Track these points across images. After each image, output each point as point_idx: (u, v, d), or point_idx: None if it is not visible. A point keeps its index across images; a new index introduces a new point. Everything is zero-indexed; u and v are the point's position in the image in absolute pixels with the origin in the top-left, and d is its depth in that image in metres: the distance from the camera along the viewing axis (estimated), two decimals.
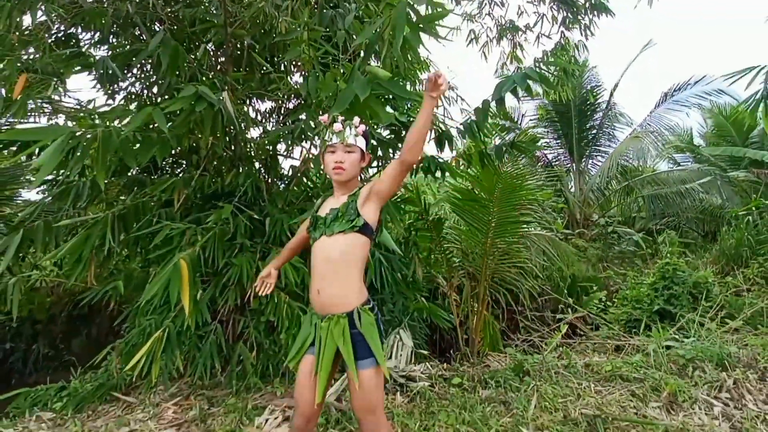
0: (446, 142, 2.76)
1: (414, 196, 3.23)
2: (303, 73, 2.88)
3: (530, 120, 8.52)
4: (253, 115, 2.96)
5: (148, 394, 2.65)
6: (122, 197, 2.72)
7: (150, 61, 2.55)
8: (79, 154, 1.55)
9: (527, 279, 3.54)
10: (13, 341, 4.34)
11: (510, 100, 2.67)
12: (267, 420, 2.27)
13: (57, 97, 2.45)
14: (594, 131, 8.09)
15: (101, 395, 2.69)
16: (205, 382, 2.69)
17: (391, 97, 2.54)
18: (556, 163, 8.30)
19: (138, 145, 1.84)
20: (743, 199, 7.04)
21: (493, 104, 2.41)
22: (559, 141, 8.27)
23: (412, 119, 2.70)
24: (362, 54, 2.04)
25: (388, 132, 2.81)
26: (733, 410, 2.32)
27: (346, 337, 1.33)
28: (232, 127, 2.32)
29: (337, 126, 1.44)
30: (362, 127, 1.50)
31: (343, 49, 2.66)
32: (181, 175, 2.67)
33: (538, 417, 2.22)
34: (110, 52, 2.55)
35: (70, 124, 2.50)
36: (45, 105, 2.49)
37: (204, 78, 2.42)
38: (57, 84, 2.23)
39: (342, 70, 2.17)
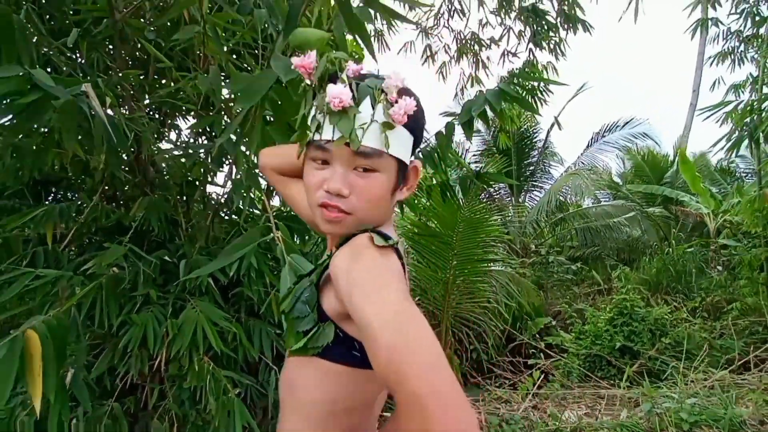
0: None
1: None
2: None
3: (473, 155, 8.80)
4: (171, 134, 2.38)
5: None
6: None
7: None
8: None
9: (492, 318, 3.28)
10: None
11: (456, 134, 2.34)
12: None
13: None
14: (532, 167, 8.69)
15: None
16: None
17: None
18: (497, 196, 8.65)
19: None
20: (657, 232, 8.14)
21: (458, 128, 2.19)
22: None
23: None
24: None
25: None
26: None
27: None
28: (133, 147, 1.77)
29: (336, 94, 0.57)
30: (410, 104, 0.58)
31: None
32: (68, 202, 2.00)
33: None
34: None
35: None
36: None
37: (84, 77, 1.80)
38: None
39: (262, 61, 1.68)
